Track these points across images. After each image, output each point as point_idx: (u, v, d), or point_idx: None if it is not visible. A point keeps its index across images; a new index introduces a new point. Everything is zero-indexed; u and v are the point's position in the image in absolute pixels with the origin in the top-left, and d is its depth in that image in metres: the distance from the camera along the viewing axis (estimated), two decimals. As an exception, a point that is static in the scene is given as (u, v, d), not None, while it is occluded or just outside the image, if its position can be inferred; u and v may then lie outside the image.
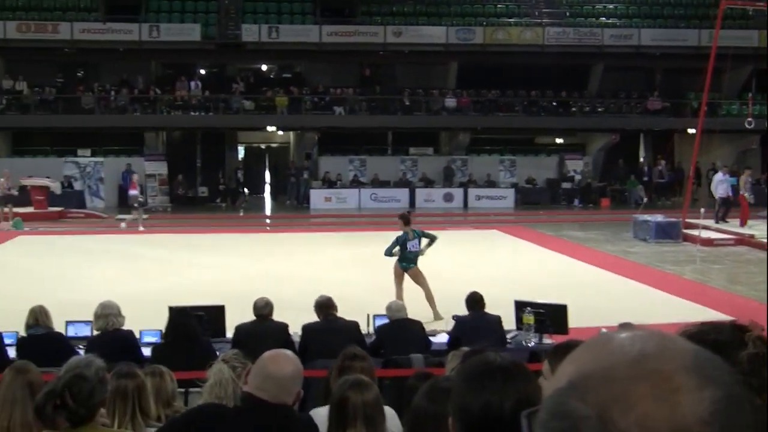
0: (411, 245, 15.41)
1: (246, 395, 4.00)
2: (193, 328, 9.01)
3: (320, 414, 5.60)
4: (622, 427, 1.00)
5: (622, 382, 1.04)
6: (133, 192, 29.88)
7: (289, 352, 4.16)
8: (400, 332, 10.26)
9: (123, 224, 29.60)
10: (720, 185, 28.70)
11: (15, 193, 31.25)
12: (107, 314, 9.34)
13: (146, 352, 9.75)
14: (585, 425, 1.03)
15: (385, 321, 10.77)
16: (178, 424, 4.15)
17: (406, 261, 15.43)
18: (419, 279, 15.40)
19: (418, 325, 10.55)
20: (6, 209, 29.90)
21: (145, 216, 30.18)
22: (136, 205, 29.65)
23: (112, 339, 9.12)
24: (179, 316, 9.09)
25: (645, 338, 1.09)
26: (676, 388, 1.02)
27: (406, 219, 15.84)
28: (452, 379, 2.63)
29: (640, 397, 1.02)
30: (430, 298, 15.17)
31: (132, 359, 7.36)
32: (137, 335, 9.99)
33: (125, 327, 9.54)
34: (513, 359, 2.45)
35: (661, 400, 1.01)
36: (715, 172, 40.31)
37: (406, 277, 15.48)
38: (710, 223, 27.68)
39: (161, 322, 10.18)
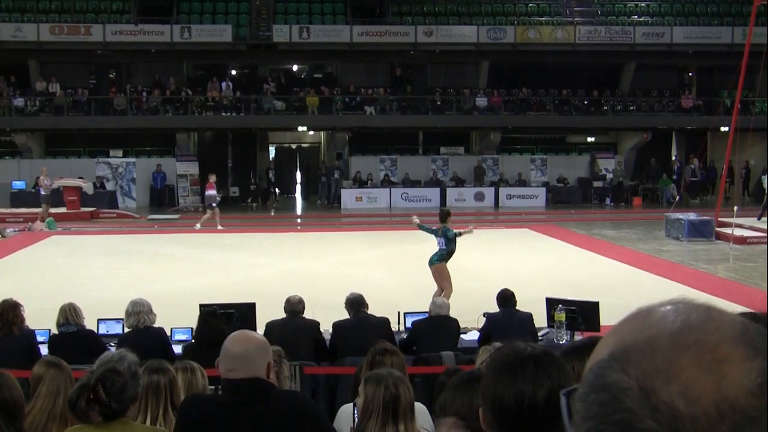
0: (438, 242, 15.34)
1: (222, 381, 4.23)
2: (221, 331, 9.03)
3: (348, 411, 5.61)
4: (665, 398, 0.97)
5: (665, 353, 1.00)
6: (211, 192, 30.06)
7: (248, 331, 4.40)
8: (435, 328, 10.25)
9: (198, 225, 29.82)
10: None
11: (56, 186, 31.55)
12: (138, 312, 9.38)
13: (177, 349, 9.79)
14: (626, 397, 0.99)
15: (421, 317, 10.80)
16: (177, 422, 4.42)
17: (434, 256, 15.33)
18: (439, 278, 15.27)
19: (454, 323, 10.51)
20: (41, 208, 30.18)
21: (189, 222, 30.20)
22: (213, 204, 29.83)
23: (144, 336, 9.16)
24: (206, 320, 9.11)
25: (689, 309, 1.06)
26: (721, 359, 0.98)
27: (440, 215, 15.79)
28: (483, 371, 2.61)
29: (683, 368, 0.98)
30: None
31: (163, 357, 7.37)
32: (168, 333, 10.02)
33: (156, 325, 9.57)
34: (544, 348, 2.43)
35: (705, 370, 0.97)
36: (747, 170, 40.19)
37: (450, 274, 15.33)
38: (754, 221, 27.69)
39: (192, 320, 10.23)
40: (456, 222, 16.91)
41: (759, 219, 27.96)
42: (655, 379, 0.99)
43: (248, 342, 4.16)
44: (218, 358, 4.24)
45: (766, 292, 15.23)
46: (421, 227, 15.78)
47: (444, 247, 15.14)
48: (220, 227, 29.58)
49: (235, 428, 4.08)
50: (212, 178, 30.77)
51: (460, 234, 15.22)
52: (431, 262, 15.27)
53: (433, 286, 15.20)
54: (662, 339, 1.02)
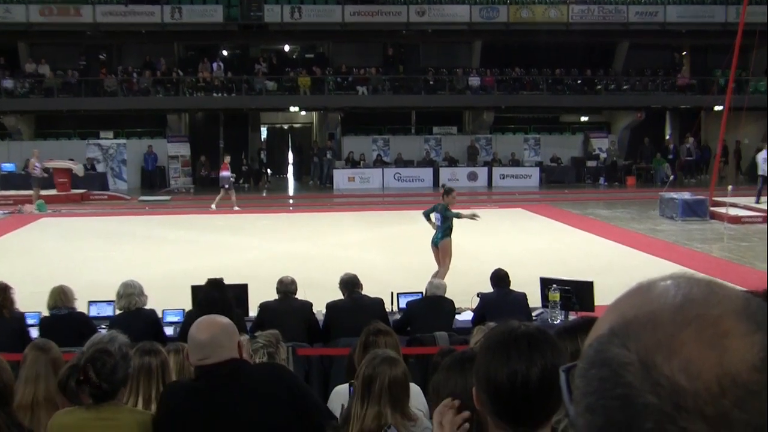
0: (435, 218, 15.33)
1: (195, 369, 4.22)
2: (229, 300, 9.05)
3: (341, 392, 5.59)
4: (666, 373, 0.96)
5: (666, 327, 0.99)
6: (225, 173, 30.15)
7: (211, 316, 4.35)
8: (430, 309, 10.25)
9: (214, 206, 29.86)
10: (764, 163, 28.53)
11: (45, 175, 31.46)
12: (130, 293, 9.34)
13: (169, 331, 9.80)
14: (627, 372, 0.99)
15: (415, 297, 10.81)
16: (158, 412, 4.46)
17: (437, 234, 15.33)
18: (439, 257, 15.27)
19: (449, 304, 10.51)
20: (33, 191, 30.13)
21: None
22: (227, 186, 29.90)
23: (135, 318, 9.12)
24: (215, 287, 9.09)
25: (691, 283, 1.05)
26: (723, 333, 0.97)
27: (444, 191, 15.76)
28: (476, 351, 2.59)
29: (685, 342, 0.97)
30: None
31: (155, 339, 7.35)
32: (160, 315, 10.01)
33: (148, 307, 9.55)
34: (537, 326, 2.40)
35: (707, 345, 0.97)
36: (738, 149, 40.24)
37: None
38: (749, 201, 27.79)
39: (185, 302, 10.21)
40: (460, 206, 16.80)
41: (757, 202, 27.95)
42: (657, 353, 0.98)
43: (214, 327, 4.16)
44: (186, 349, 4.24)
45: (767, 270, 15.30)
46: (425, 216, 15.68)
47: (440, 224, 15.13)
48: (213, 207, 29.65)
49: (214, 412, 4.10)
50: (227, 159, 30.89)
51: (459, 215, 15.18)
52: (435, 242, 15.26)
53: (430, 267, 15.19)
54: (663, 313, 1.01)
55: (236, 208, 29.51)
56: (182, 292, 11.18)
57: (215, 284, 9.16)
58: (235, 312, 9.25)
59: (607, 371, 1.01)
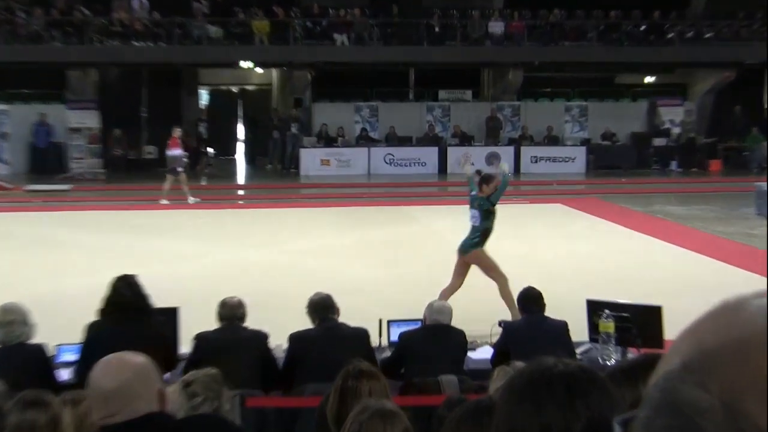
0: (471, 217, 15.07)
1: (100, 430, 4.06)
2: (145, 301, 9.07)
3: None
4: (760, 423, 0.93)
5: (761, 360, 0.96)
6: (175, 152, 30.29)
7: (119, 355, 4.25)
8: (432, 343, 10.22)
9: (191, 199, 30.16)
10: None
11: None
12: (10, 321, 9.29)
13: (64, 375, 9.74)
14: (706, 420, 0.96)
15: (413, 327, 10.78)
16: None
17: (467, 240, 15.07)
18: (459, 270, 15.09)
19: (458, 335, 10.50)
20: None
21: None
22: (179, 169, 29.96)
23: (15, 356, 9.08)
24: (125, 285, 9.12)
25: None
26: None
27: (480, 178, 15.54)
28: (495, 399, 2.54)
29: None
30: (445, 292, 14.69)
31: (43, 385, 7.30)
32: (52, 352, 9.95)
33: (35, 340, 9.48)
34: (580, 365, 2.35)
35: None
36: None
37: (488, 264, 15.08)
38: None
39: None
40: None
41: None
42: (747, 395, 0.96)
43: (124, 369, 4.07)
44: (86, 401, 4.17)
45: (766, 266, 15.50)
46: (470, 180, 15.52)
47: (478, 224, 14.87)
48: (190, 200, 30.09)
49: None
50: (176, 133, 30.99)
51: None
52: (464, 249, 14.99)
53: (439, 284, 15.07)
54: (756, 342, 0.99)
55: (164, 201, 29.49)
56: (85, 320, 11.12)
57: (124, 281, 9.17)
58: (156, 319, 9.26)
59: (680, 419, 1.00)
